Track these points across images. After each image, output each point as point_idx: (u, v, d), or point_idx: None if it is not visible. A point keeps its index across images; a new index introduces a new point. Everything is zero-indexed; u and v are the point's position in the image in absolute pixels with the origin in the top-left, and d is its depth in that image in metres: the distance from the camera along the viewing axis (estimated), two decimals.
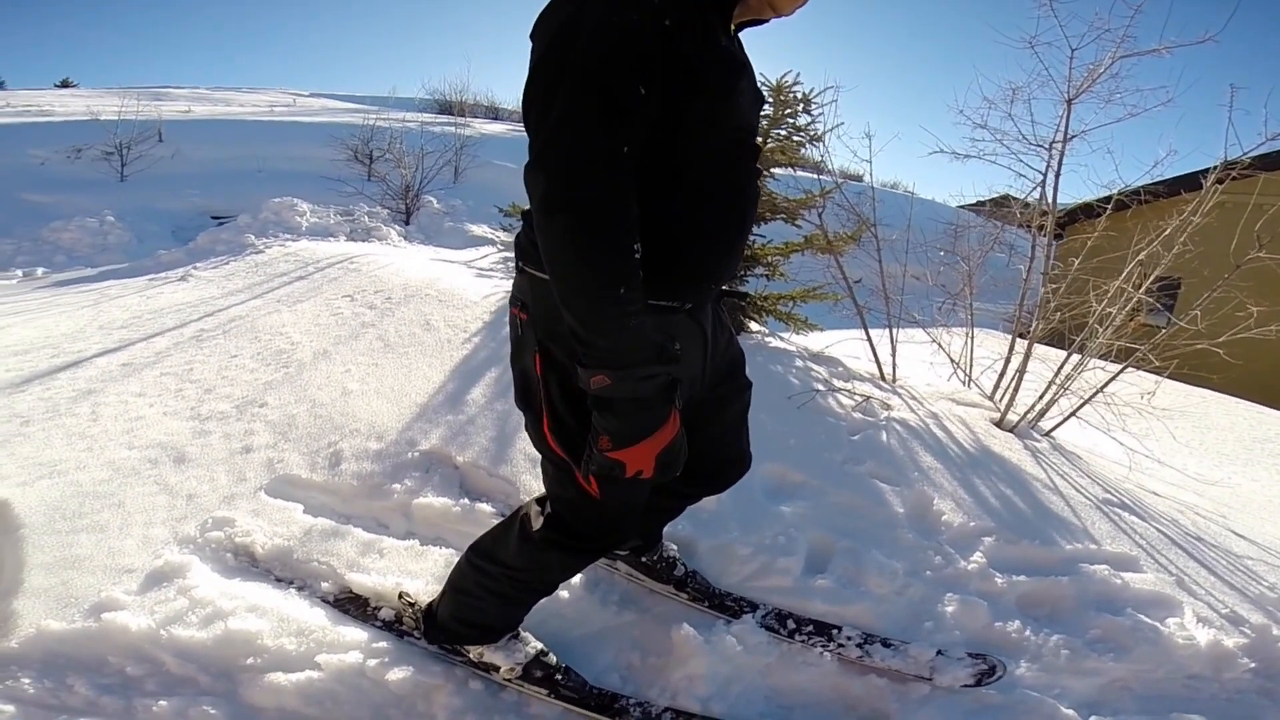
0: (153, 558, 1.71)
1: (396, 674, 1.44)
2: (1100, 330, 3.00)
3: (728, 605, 1.74)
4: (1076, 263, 3.17)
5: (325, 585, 1.70)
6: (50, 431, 2.39)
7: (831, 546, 1.93)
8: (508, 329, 1.29)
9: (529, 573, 1.37)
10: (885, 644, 1.63)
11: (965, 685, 1.54)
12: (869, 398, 2.81)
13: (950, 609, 1.75)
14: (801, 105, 3.48)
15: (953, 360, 3.65)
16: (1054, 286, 3.21)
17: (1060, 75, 3.01)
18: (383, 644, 1.50)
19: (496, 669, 1.47)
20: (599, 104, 0.93)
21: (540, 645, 1.50)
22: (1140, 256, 2.94)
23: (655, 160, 1.03)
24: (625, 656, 1.62)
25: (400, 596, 1.63)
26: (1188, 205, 2.88)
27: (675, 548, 1.81)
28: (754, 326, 3.64)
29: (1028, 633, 1.71)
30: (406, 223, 8.11)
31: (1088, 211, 3.78)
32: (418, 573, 1.77)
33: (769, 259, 3.54)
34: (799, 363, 3.17)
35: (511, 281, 1.25)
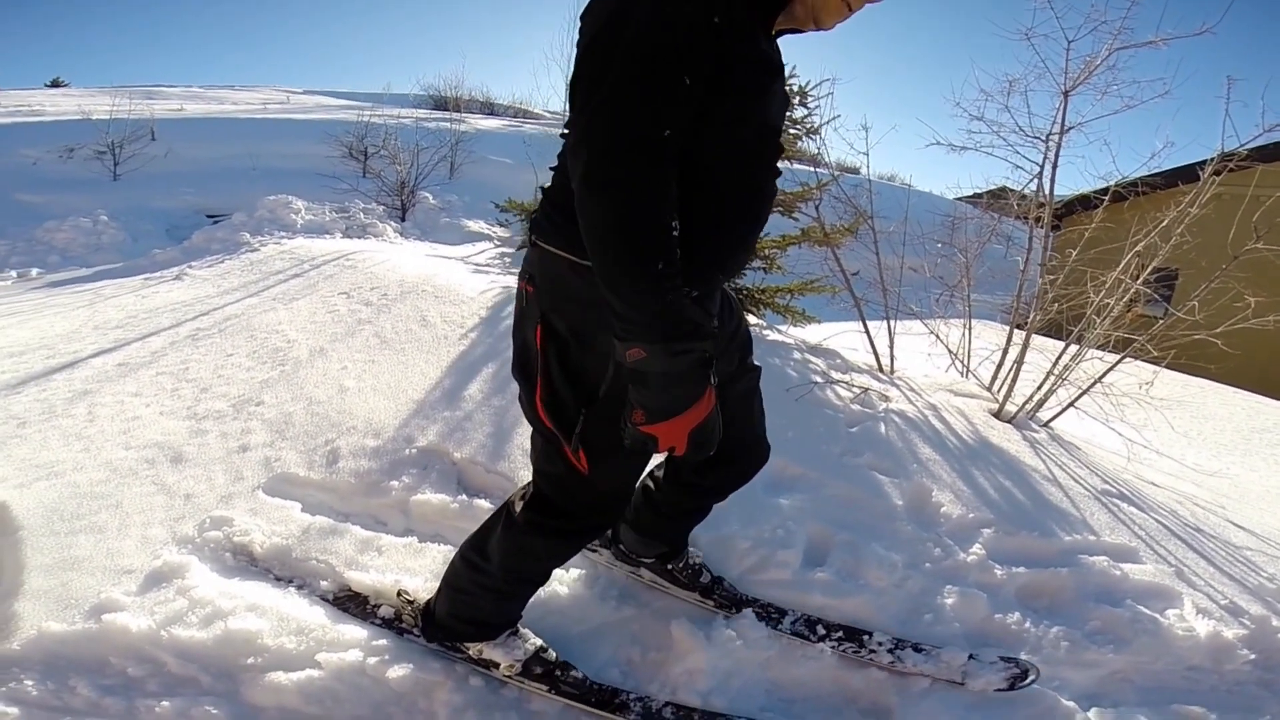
0: (151, 558, 1.71)
1: (397, 671, 1.44)
2: (1098, 321, 3.00)
3: (756, 613, 1.71)
4: (1074, 254, 3.18)
5: (324, 583, 1.70)
6: (47, 433, 2.39)
7: (830, 539, 1.93)
8: (505, 324, 1.29)
9: (516, 559, 1.37)
10: (917, 649, 1.61)
11: (998, 690, 1.52)
12: (867, 390, 2.81)
13: (950, 601, 1.75)
14: (798, 98, 3.48)
15: (951, 352, 3.65)
16: (1051, 278, 3.22)
17: (1057, 67, 3.01)
18: (382, 641, 1.50)
19: (496, 665, 1.47)
20: (645, 89, 0.95)
21: (539, 641, 1.50)
22: (1138, 248, 2.94)
23: (682, 149, 1.05)
24: (625, 652, 1.62)
25: (399, 594, 1.63)
26: (1185, 197, 2.89)
27: (700, 555, 1.79)
28: (751, 319, 3.64)
29: (1027, 624, 1.71)
30: (402, 219, 8.07)
31: (1085, 203, 3.78)
32: (416, 570, 1.76)
33: (766, 252, 3.54)
34: (797, 355, 3.17)
35: (511, 277, 1.25)
